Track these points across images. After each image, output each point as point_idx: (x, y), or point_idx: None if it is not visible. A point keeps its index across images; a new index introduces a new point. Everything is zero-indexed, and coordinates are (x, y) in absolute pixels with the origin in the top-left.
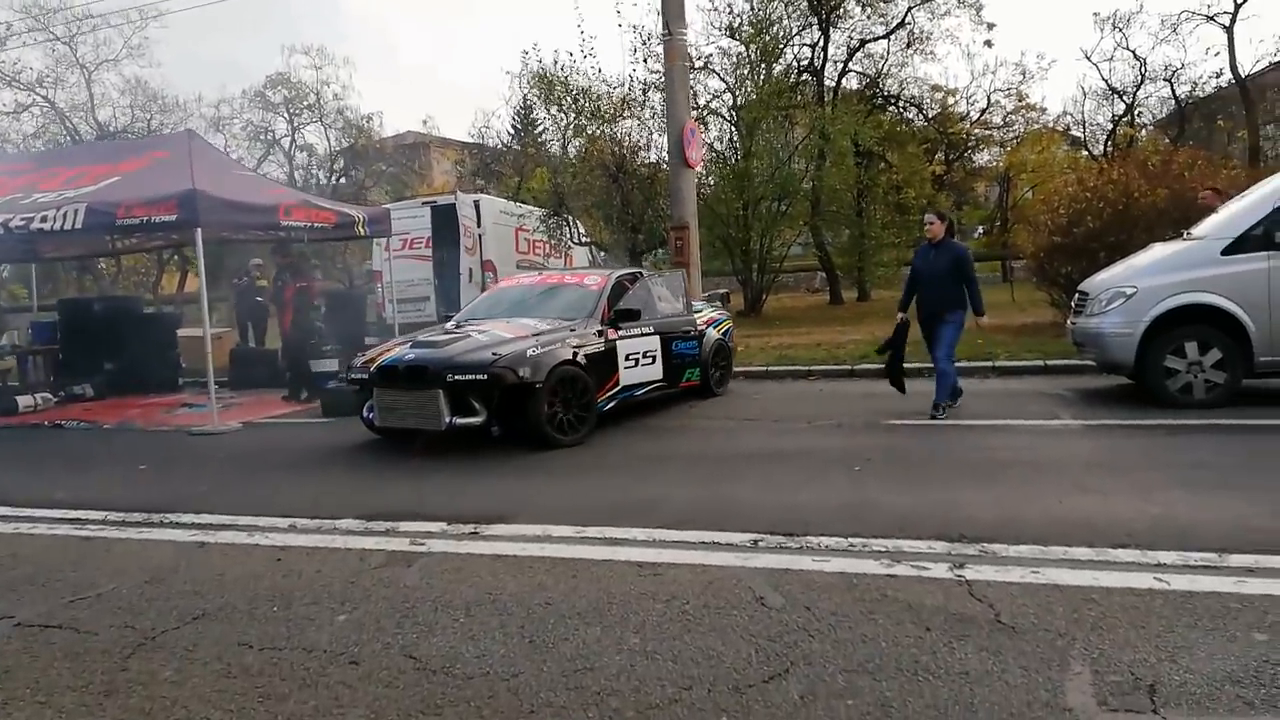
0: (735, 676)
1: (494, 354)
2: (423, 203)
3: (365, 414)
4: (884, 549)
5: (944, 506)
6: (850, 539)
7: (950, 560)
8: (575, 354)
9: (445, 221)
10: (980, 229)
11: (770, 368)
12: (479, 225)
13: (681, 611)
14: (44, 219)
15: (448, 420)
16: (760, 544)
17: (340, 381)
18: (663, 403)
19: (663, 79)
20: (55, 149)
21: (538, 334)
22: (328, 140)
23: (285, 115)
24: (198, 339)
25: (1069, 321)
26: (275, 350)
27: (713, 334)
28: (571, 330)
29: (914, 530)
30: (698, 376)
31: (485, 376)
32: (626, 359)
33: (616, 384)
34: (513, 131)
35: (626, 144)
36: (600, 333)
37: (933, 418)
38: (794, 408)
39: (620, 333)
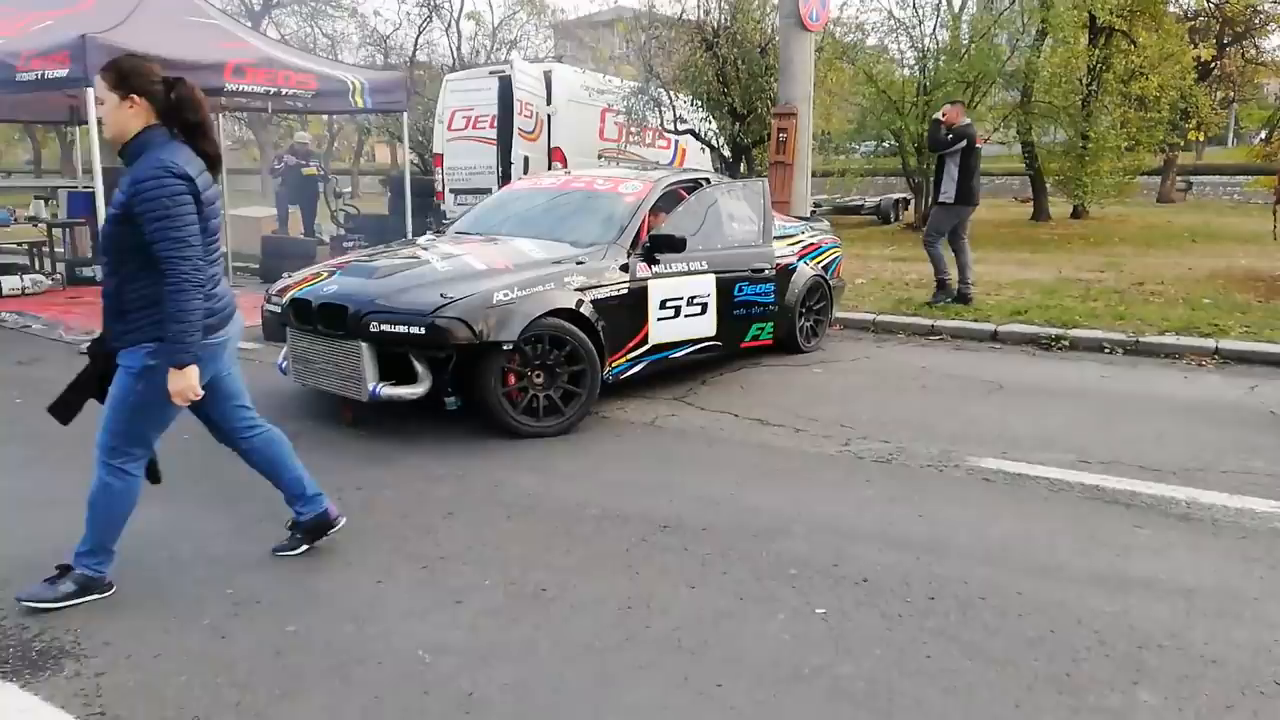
0: None
1: (443, 295)
2: (490, 72)
3: (279, 364)
4: None
5: None
6: None
7: None
8: (579, 300)
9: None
10: (1260, 134)
11: (880, 316)
12: (549, 103)
13: None
14: None
15: (371, 387)
16: None
17: None
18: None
19: None
20: None
21: (531, 264)
22: (490, 8)
23: None
24: (249, 221)
25: None
26: (313, 240)
27: (806, 268)
28: (579, 263)
29: None
30: (770, 333)
31: (422, 330)
32: (662, 306)
33: (644, 341)
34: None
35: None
36: (625, 267)
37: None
38: (853, 401)
39: (656, 268)
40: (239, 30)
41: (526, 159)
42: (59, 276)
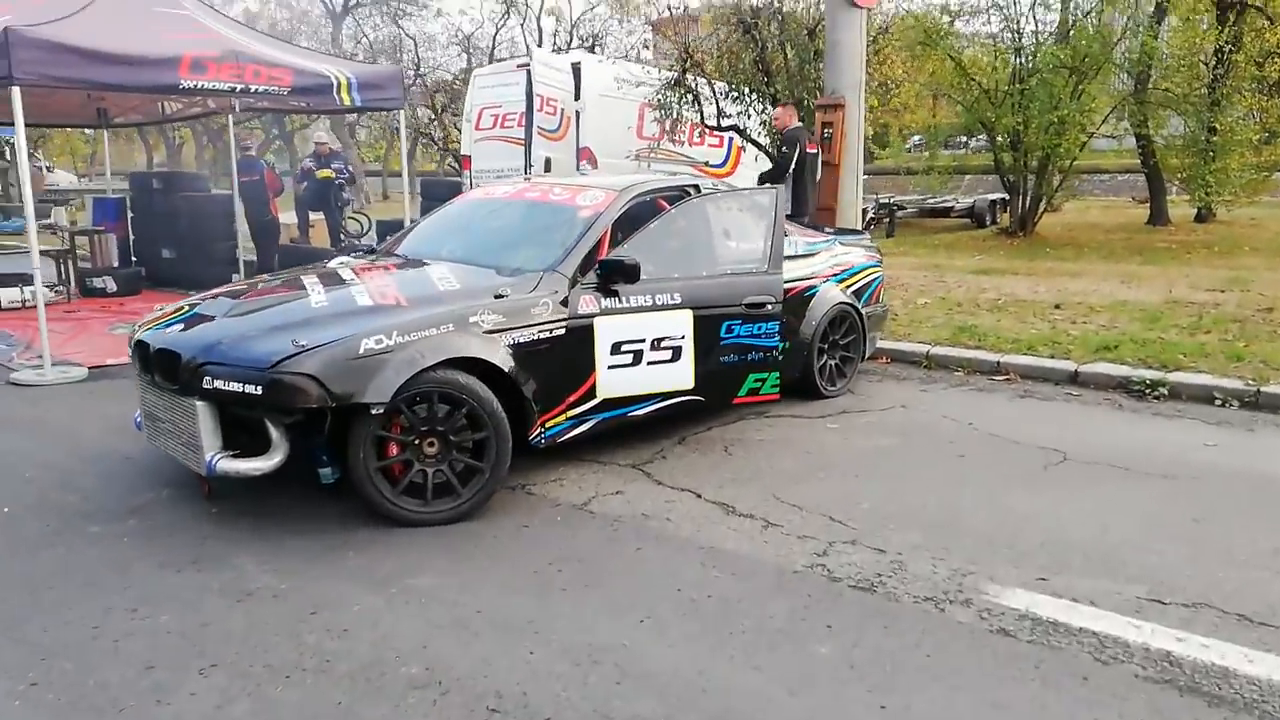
0: None
1: (294, 343)
2: (518, 66)
3: (135, 418)
4: None
5: None
6: None
7: None
8: (492, 346)
9: None
10: None
11: (935, 348)
12: (576, 98)
13: None
14: None
15: (209, 457)
16: None
17: None
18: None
19: None
20: None
21: (432, 299)
22: (569, 3)
23: None
24: (281, 227)
25: None
26: (333, 250)
27: (831, 292)
28: (498, 297)
29: None
30: (775, 384)
31: (258, 388)
32: (615, 351)
33: (590, 395)
34: None
35: None
36: (565, 301)
37: None
38: (861, 475)
39: (607, 302)
40: (211, 20)
41: (548, 160)
42: (62, 289)
